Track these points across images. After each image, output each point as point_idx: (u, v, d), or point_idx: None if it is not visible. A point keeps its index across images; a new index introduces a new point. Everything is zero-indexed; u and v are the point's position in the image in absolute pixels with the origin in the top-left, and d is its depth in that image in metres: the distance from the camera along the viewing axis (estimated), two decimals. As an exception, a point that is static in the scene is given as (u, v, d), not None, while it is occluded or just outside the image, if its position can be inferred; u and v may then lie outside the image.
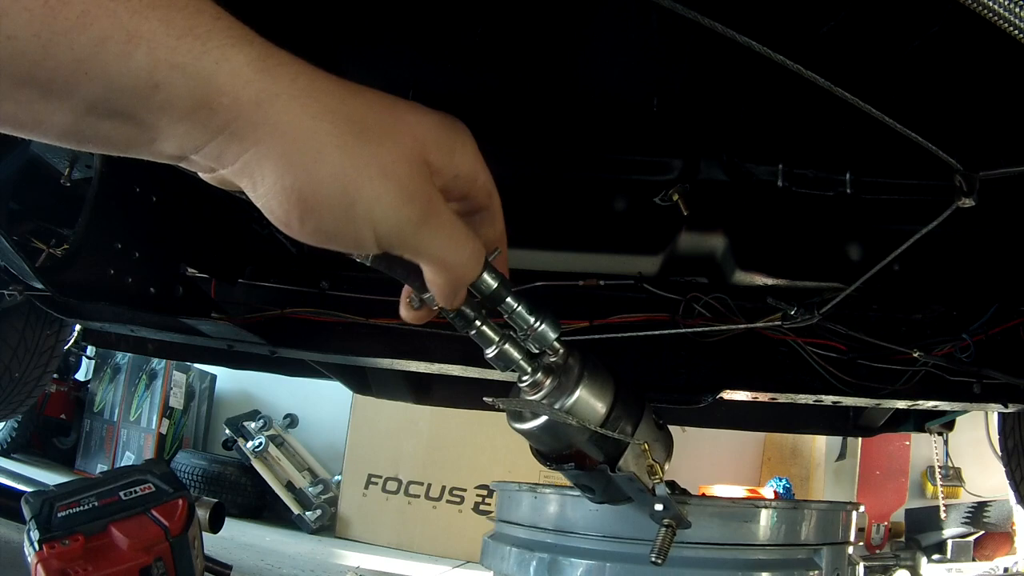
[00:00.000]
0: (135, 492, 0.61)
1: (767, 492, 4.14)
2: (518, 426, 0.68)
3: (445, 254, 0.50)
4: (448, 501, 4.24)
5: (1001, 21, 0.46)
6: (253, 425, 3.93)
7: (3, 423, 2.77)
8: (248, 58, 0.42)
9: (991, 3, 0.45)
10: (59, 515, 0.61)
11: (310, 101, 0.44)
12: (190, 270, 1.26)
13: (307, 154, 0.44)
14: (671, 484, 0.87)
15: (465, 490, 4.23)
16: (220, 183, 0.49)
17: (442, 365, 1.31)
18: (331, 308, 1.32)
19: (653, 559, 0.68)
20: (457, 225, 0.50)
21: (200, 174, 0.50)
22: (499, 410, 0.69)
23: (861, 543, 3.84)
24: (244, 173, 0.45)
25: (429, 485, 4.28)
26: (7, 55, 0.38)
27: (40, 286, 0.94)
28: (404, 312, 0.58)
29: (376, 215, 0.46)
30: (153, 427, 4.14)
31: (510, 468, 3.92)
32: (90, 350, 4.24)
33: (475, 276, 0.54)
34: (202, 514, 2.20)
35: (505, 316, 0.62)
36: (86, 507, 0.60)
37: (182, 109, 0.42)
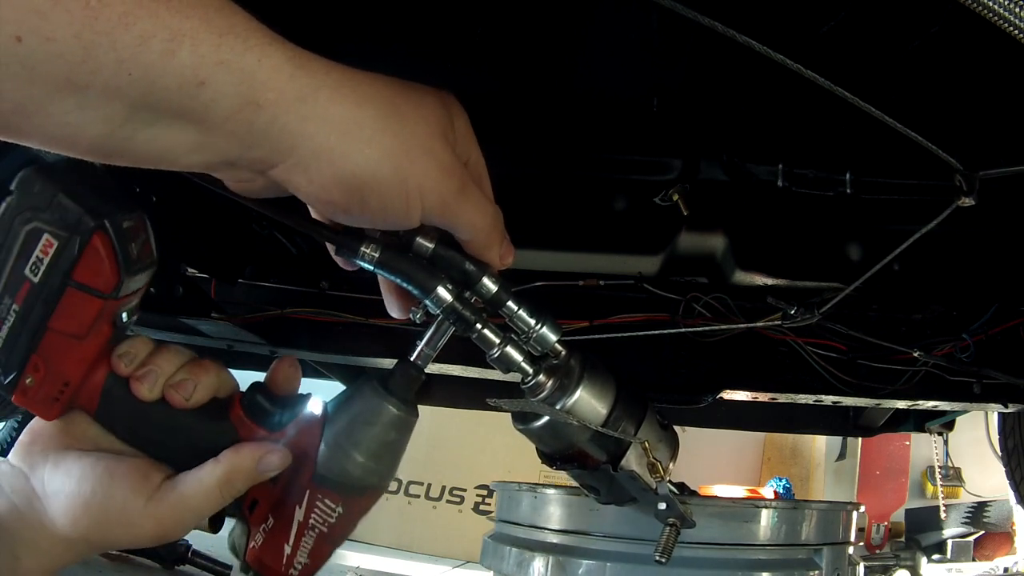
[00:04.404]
0: (40, 260, 0.52)
1: (767, 492, 4.14)
2: (521, 427, 0.69)
3: (475, 219, 0.53)
4: (448, 501, 4.24)
5: (1001, 21, 0.46)
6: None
7: (3, 423, 2.77)
8: (286, 55, 0.44)
9: (991, 3, 0.45)
10: None
11: (348, 91, 0.46)
12: (190, 270, 1.26)
13: (360, 140, 0.46)
14: (680, 486, 0.87)
15: (465, 490, 4.23)
16: (260, 190, 0.50)
17: (442, 365, 1.31)
18: (331, 308, 1.32)
19: (657, 558, 0.68)
20: (478, 191, 0.54)
21: (233, 185, 0.50)
22: (502, 410, 0.69)
23: (861, 543, 3.84)
24: (298, 169, 0.46)
25: (429, 485, 4.28)
26: (45, 57, 0.37)
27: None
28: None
29: (424, 189, 0.49)
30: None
31: (510, 468, 3.92)
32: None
33: (502, 232, 0.57)
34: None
35: (506, 319, 0.62)
36: (11, 320, 0.54)
37: (228, 107, 0.42)
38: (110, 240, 0.54)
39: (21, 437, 0.61)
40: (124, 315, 0.58)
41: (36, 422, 0.60)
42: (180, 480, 0.59)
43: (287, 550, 0.61)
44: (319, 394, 0.64)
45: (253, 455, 0.59)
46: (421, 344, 0.62)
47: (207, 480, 0.58)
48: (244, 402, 0.62)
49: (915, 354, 1.18)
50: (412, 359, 0.62)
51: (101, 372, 0.58)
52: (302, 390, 0.65)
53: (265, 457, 0.59)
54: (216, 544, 2.29)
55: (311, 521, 0.60)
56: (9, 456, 0.61)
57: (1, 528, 0.56)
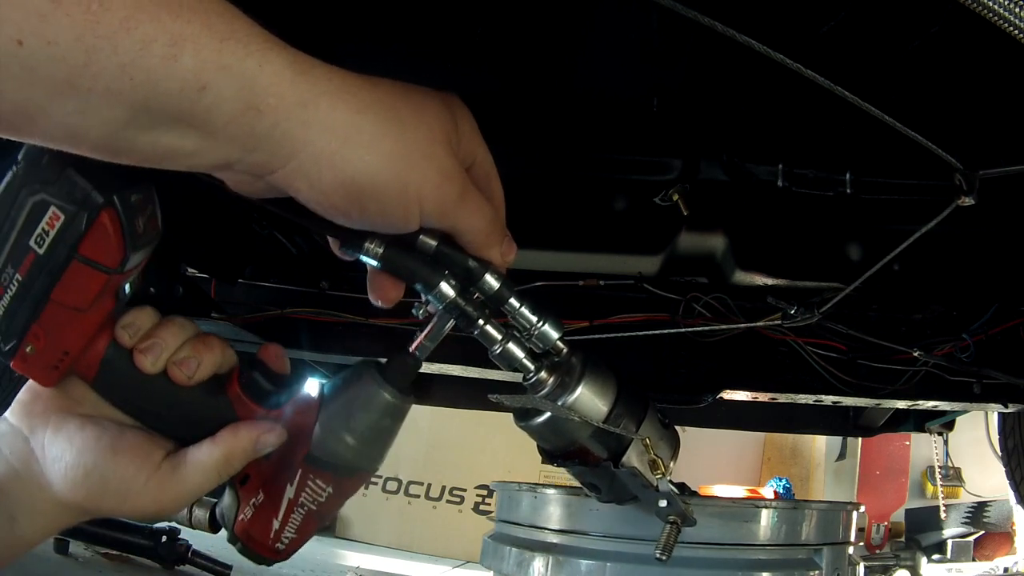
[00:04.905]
0: (45, 233, 0.52)
1: (767, 492, 4.14)
2: (523, 424, 0.69)
3: (475, 222, 0.54)
4: (448, 501, 4.25)
5: (1001, 21, 0.46)
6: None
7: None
8: (287, 61, 0.44)
9: (991, 3, 0.45)
10: None
11: (349, 97, 0.46)
12: (190, 270, 1.27)
13: (361, 146, 0.46)
14: (681, 486, 0.87)
15: (465, 490, 4.24)
16: (260, 192, 0.50)
17: (442, 365, 1.31)
18: (331, 308, 1.32)
19: (658, 555, 0.68)
20: (478, 195, 0.54)
21: (232, 185, 0.50)
22: (503, 408, 0.69)
23: (861, 543, 3.84)
24: (298, 175, 0.46)
25: (429, 485, 4.29)
26: (46, 60, 0.37)
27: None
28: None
29: (424, 195, 0.49)
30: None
31: (510, 468, 3.93)
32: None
33: (504, 234, 0.58)
34: (202, 514, 2.19)
35: (508, 316, 0.62)
36: (14, 289, 0.53)
37: (229, 112, 0.42)
38: (118, 216, 0.53)
39: (20, 395, 0.61)
40: (127, 288, 0.59)
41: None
42: (179, 461, 0.59)
43: (275, 525, 0.62)
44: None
45: (250, 435, 0.60)
46: (420, 335, 0.62)
47: (206, 462, 0.59)
48: (242, 379, 0.63)
49: (915, 354, 1.19)
50: (411, 350, 0.62)
51: (102, 342, 0.58)
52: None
53: (261, 437, 0.60)
54: (216, 544, 2.29)
55: (301, 499, 0.61)
56: (7, 414, 0.60)
57: None
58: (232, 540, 0.64)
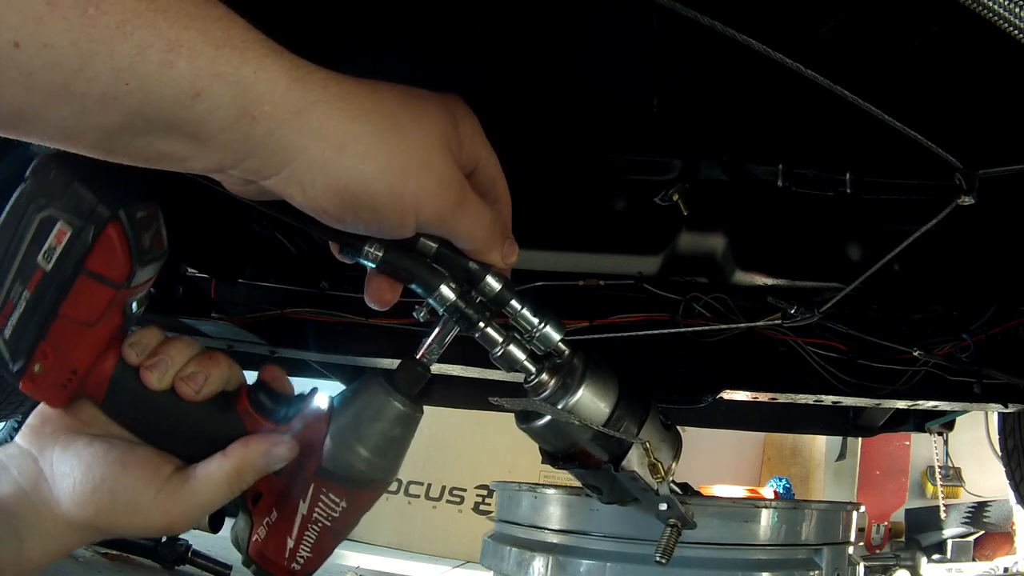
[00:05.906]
0: (52, 248, 0.52)
1: (767, 492, 4.13)
2: (524, 426, 0.69)
3: (473, 229, 0.54)
4: (448, 501, 4.25)
5: (1001, 21, 0.46)
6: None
7: (3, 423, 2.77)
8: (283, 68, 0.44)
9: (991, 3, 0.45)
10: (5, 335, 0.55)
11: (345, 104, 0.46)
12: (190, 270, 1.27)
13: (355, 156, 0.46)
14: (684, 486, 0.87)
15: (465, 490, 4.23)
16: (255, 195, 0.50)
17: (442, 365, 1.31)
18: (331, 308, 1.32)
19: (658, 559, 0.68)
20: (477, 201, 0.54)
21: (228, 187, 0.50)
22: (504, 410, 0.69)
23: (861, 543, 3.84)
24: (291, 181, 0.46)
25: (429, 485, 4.29)
26: (43, 63, 0.37)
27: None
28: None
29: (421, 204, 0.49)
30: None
31: (510, 468, 3.92)
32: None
33: (506, 236, 0.58)
34: (202, 514, 2.19)
35: (509, 318, 0.62)
36: (22, 307, 0.54)
37: (224, 119, 0.42)
38: (124, 230, 0.54)
39: (30, 419, 0.61)
40: (134, 304, 0.59)
41: (45, 405, 0.60)
42: (190, 474, 0.59)
43: (290, 543, 0.61)
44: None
45: (261, 448, 0.59)
46: (427, 342, 0.62)
47: (216, 475, 0.58)
48: (251, 395, 0.62)
49: (915, 354, 1.19)
50: (418, 356, 0.62)
51: (110, 361, 0.58)
52: (307, 386, 0.66)
53: (272, 449, 0.59)
54: (216, 544, 2.29)
55: (315, 515, 0.60)
56: (17, 438, 0.61)
57: (7, 511, 0.56)
58: (247, 563, 0.63)
